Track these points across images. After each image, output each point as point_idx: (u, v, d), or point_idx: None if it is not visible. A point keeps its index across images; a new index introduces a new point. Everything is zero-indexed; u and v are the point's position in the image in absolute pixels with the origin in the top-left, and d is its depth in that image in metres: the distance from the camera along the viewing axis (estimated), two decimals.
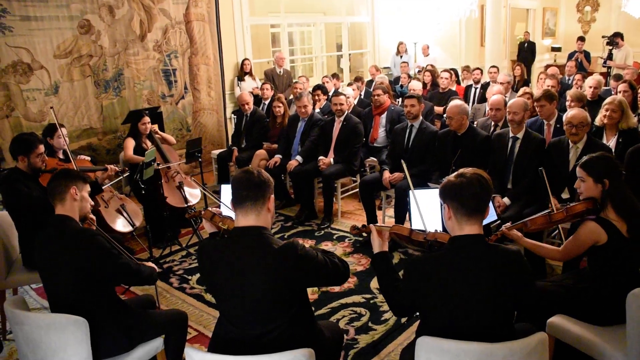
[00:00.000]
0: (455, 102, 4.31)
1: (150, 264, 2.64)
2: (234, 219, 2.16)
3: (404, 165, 2.83)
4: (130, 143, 4.75)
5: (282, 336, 1.91)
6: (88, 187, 2.54)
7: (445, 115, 4.38)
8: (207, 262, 2.01)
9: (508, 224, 2.82)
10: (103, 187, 4.04)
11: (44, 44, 5.39)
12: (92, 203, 2.68)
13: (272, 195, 2.02)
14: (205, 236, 4.05)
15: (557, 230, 4.25)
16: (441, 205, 1.98)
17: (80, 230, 2.33)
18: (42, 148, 3.41)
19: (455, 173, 1.94)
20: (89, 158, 4.53)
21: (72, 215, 2.39)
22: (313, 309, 3.41)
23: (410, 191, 2.80)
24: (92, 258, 2.22)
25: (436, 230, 2.35)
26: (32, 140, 3.37)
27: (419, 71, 9.02)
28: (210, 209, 2.55)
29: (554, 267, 3.84)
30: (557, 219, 2.71)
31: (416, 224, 3.16)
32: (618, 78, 6.22)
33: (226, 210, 2.59)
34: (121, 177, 4.39)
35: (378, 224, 2.54)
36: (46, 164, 3.48)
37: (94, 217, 3.45)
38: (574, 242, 2.48)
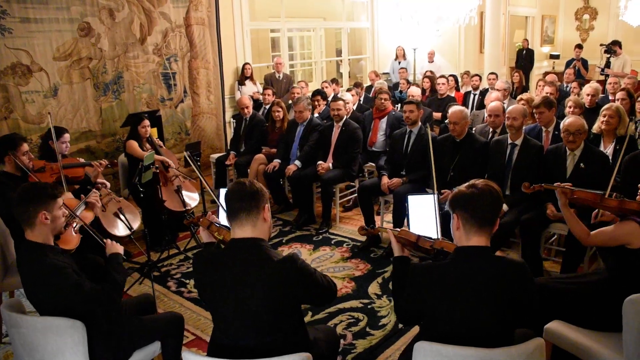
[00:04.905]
0: (459, 107, 4.30)
1: (116, 247, 2.54)
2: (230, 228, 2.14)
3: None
4: (135, 144, 4.74)
5: (277, 346, 1.88)
6: (60, 202, 2.31)
7: (447, 121, 4.39)
8: (204, 273, 1.96)
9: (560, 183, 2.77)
10: (107, 186, 4.11)
11: (43, 46, 5.38)
12: (67, 213, 2.49)
13: (267, 205, 1.98)
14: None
15: (555, 236, 4.26)
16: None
17: (47, 264, 2.15)
18: (26, 146, 3.44)
19: (467, 184, 1.92)
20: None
21: (44, 240, 2.22)
22: (310, 313, 3.44)
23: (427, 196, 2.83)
24: (61, 293, 2.14)
25: (443, 238, 2.34)
26: (16, 139, 3.41)
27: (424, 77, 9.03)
28: (208, 217, 2.49)
29: (551, 273, 3.84)
30: (606, 205, 2.64)
31: (414, 229, 3.16)
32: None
33: (224, 218, 2.57)
34: (109, 167, 4.33)
35: (386, 227, 2.54)
36: (33, 163, 3.49)
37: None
38: (610, 233, 2.47)
